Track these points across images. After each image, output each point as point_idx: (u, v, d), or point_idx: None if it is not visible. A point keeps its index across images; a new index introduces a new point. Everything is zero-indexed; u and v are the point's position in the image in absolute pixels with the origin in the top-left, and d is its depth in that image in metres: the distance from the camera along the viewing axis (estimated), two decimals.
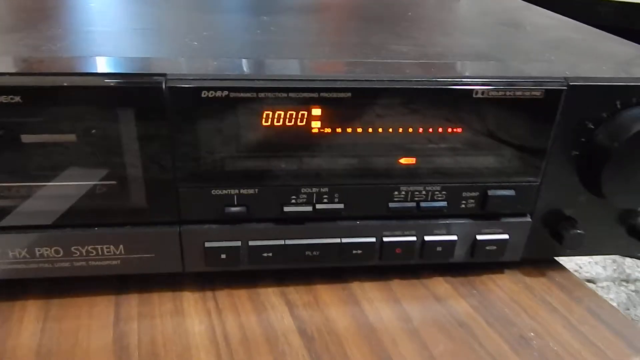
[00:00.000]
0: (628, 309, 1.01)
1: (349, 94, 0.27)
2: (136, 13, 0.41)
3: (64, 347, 0.28)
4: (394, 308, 0.31)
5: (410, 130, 0.29)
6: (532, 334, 0.30)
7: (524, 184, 0.31)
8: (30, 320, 0.30)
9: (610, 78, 0.29)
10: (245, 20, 0.41)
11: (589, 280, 1.07)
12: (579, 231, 0.31)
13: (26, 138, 0.26)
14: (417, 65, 0.29)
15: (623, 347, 0.30)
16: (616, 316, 0.32)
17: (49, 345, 0.28)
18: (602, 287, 1.06)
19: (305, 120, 0.28)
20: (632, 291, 1.07)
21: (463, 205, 0.31)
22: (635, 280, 1.11)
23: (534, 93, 0.28)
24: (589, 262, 1.13)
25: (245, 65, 0.28)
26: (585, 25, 0.44)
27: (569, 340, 0.30)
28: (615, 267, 1.14)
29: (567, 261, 0.37)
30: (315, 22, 0.42)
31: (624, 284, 1.09)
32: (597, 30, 0.42)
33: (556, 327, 0.31)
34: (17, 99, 0.25)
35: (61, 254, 0.29)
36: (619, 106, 0.29)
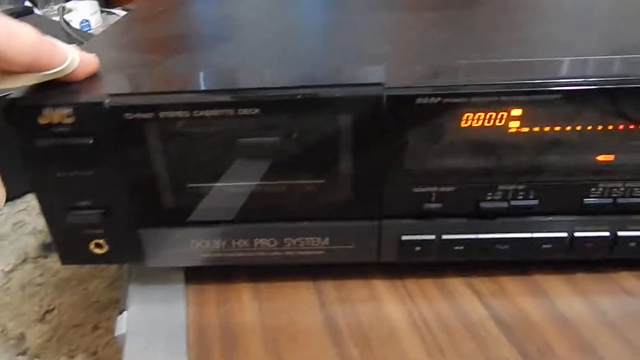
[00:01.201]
0: None
1: (558, 96, 0.28)
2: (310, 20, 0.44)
3: (284, 324, 0.32)
4: (584, 301, 0.32)
5: (610, 127, 0.29)
6: None
7: None
8: (248, 300, 0.34)
9: None
10: (400, 17, 0.43)
11: None
12: None
13: (256, 143, 0.30)
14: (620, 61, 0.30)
15: None
16: None
17: (270, 321, 0.32)
18: None
19: (504, 120, 0.29)
20: None
21: None
22: None
23: None
24: None
25: (452, 71, 0.30)
26: None
27: None
28: None
29: None
30: (476, 16, 0.42)
31: None
32: None
33: None
34: (257, 111, 0.28)
35: (275, 244, 0.33)
36: None
